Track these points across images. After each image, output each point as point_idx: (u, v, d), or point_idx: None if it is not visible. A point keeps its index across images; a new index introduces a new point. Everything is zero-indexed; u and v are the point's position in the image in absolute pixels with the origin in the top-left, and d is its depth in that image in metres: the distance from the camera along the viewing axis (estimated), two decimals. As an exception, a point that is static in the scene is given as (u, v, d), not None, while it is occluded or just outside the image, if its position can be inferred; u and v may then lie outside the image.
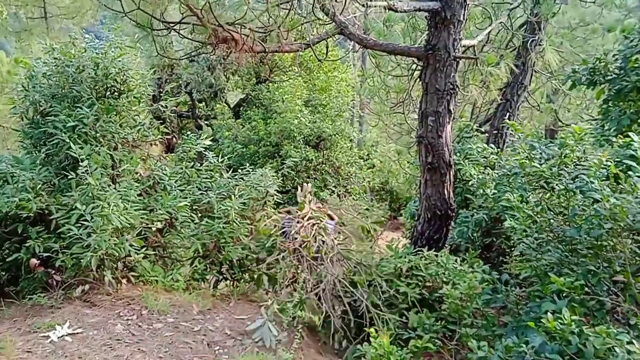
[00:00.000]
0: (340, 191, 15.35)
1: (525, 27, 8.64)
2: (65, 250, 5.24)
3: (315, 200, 7.33)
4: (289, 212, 7.19)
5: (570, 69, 7.12)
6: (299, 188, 7.50)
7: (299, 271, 5.97)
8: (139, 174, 6.36)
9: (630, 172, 3.96)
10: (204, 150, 7.21)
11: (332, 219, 7.39)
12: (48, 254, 5.36)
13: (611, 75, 6.66)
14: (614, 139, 5.10)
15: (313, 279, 5.86)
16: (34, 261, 5.40)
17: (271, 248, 6.53)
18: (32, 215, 5.41)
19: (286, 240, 6.46)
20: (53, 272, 5.47)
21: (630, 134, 4.29)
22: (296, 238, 6.28)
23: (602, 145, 5.78)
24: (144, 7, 4.98)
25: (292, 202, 12.25)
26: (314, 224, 6.51)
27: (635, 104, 6.47)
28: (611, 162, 4.10)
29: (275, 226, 6.84)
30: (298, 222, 6.55)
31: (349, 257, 6.20)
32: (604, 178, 4.02)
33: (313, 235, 6.30)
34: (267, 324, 5.15)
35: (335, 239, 6.65)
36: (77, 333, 4.75)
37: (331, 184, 15.34)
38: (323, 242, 6.28)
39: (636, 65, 6.27)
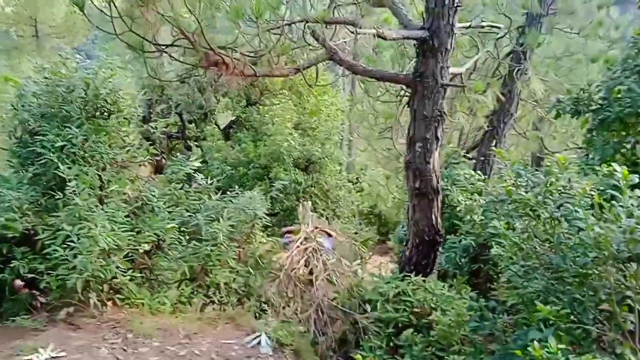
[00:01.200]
0: (329, 214, 15.33)
1: (511, 56, 8.82)
2: (51, 272, 5.18)
3: (315, 218, 7.37)
4: (290, 232, 7.27)
5: (555, 99, 7.26)
6: (300, 206, 7.55)
7: (289, 296, 5.98)
8: (127, 195, 6.33)
9: (613, 202, 4.01)
10: (193, 172, 7.19)
11: (330, 235, 7.44)
12: (33, 275, 5.29)
13: (595, 105, 6.80)
14: (598, 168, 5.19)
15: (303, 303, 5.86)
16: (18, 283, 5.33)
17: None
18: (17, 235, 5.35)
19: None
20: (38, 293, 5.40)
21: (613, 164, 4.36)
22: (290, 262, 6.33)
23: (586, 174, 5.86)
24: (135, 29, 5.02)
25: (281, 224, 12.23)
26: (306, 248, 6.53)
27: (618, 133, 6.60)
28: (595, 191, 4.15)
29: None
30: (295, 246, 6.59)
31: (334, 283, 6.22)
32: (588, 207, 4.07)
33: (306, 260, 6.33)
34: (263, 335, 5.37)
35: (330, 258, 6.69)
36: (61, 357, 4.67)
37: (320, 207, 15.32)
38: (316, 265, 6.30)
39: (619, 96, 6.42)
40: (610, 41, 9.61)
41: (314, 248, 6.57)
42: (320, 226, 7.39)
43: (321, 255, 6.59)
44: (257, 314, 6.33)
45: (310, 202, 7.90)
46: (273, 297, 6.07)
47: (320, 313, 5.75)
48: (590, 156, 6.84)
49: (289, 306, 6.17)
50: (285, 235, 8.32)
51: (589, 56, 9.21)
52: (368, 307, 5.73)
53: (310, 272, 6.31)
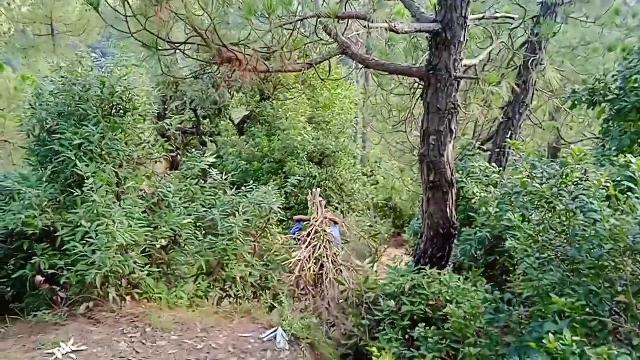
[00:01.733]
0: (343, 208, 15.34)
1: (526, 46, 8.70)
2: (70, 268, 5.29)
3: (324, 205, 7.37)
4: (300, 220, 7.31)
5: (571, 89, 7.17)
6: (310, 193, 7.58)
7: (301, 293, 6.03)
8: (143, 192, 6.42)
9: (629, 194, 3.98)
10: (208, 168, 7.25)
11: (336, 223, 7.44)
12: (53, 271, 5.40)
13: (611, 95, 6.71)
14: (615, 159, 5.14)
15: (315, 300, 5.90)
16: (39, 278, 5.44)
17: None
18: (37, 232, 5.47)
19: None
20: (58, 289, 5.50)
21: (629, 155, 4.32)
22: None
23: (603, 165, 5.80)
24: (149, 28, 5.05)
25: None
26: (315, 245, 6.55)
27: (635, 124, 6.51)
28: (610, 183, 4.12)
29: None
30: (303, 242, 6.60)
31: (344, 282, 6.24)
32: (604, 199, 4.04)
33: (315, 257, 6.36)
34: (280, 329, 5.41)
35: (339, 252, 6.71)
36: (82, 350, 4.77)
37: (335, 200, 15.34)
38: (326, 262, 6.33)
39: (635, 85, 6.33)
40: (627, 29, 9.44)
41: (324, 246, 6.58)
42: (328, 215, 7.40)
43: (331, 249, 6.61)
44: (271, 308, 6.39)
45: (319, 190, 7.88)
46: (286, 294, 6.12)
47: (332, 308, 5.79)
48: (607, 147, 6.77)
49: (301, 301, 6.22)
50: (296, 224, 8.35)
51: (605, 45, 9.05)
52: (380, 301, 5.75)
53: (322, 267, 6.34)
